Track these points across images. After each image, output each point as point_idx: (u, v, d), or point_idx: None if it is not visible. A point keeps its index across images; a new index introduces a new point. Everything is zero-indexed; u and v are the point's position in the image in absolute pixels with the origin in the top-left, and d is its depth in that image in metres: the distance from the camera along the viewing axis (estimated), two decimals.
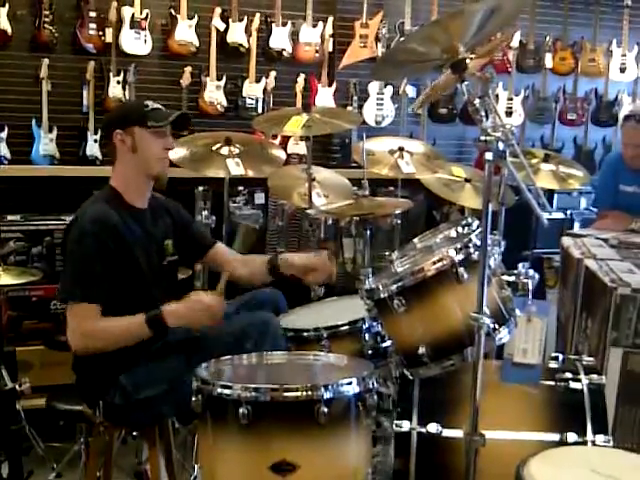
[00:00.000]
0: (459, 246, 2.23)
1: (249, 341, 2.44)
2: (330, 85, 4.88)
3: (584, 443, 2.14)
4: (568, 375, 2.28)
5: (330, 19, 4.84)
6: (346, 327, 2.70)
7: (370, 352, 2.67)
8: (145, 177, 2.65)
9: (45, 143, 4.28)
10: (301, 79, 4.81)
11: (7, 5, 4.16)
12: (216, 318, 2.49)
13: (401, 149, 3.80)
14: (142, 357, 2.51)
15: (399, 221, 3.79)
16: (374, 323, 2.64)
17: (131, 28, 4.41)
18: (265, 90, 4.72)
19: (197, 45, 4.57)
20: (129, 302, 2.53)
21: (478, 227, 2.28)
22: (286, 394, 1.98)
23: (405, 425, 2.22)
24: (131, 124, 2.60)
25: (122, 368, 2.51)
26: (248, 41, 4.67)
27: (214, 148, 3.62)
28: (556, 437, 2.16)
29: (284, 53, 4.75)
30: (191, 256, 2.95)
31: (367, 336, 2.69)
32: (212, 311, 2.49)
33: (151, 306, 2.50)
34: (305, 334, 2.69)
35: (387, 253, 2.61)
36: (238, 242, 3.62)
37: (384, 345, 2.68)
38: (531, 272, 2.25)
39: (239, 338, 2.45)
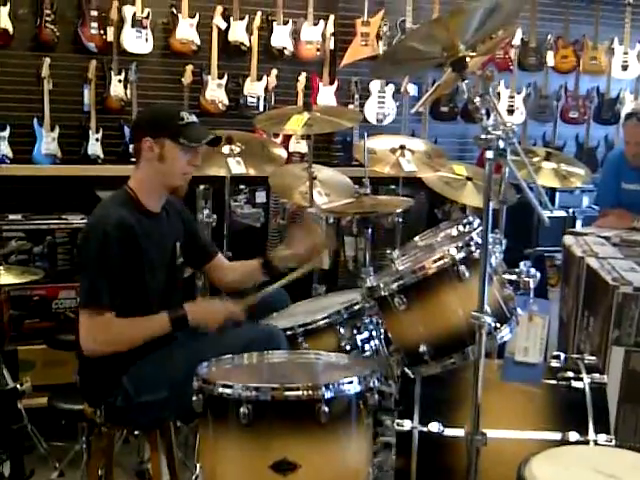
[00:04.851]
0: (460, 244, 2.23)
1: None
2: (331, 83, 4.87)
3: (586, 442, 2.14)
4: (570, 374, 2.28)
5: (331, 17, 4.83)
6: (320, 323, 2.70)
7: (348, 346, 2.67)
8: (164, 187, 2.66)
9: (47, 142, 4.28)
10: (302, 77, 4.81)
11: (9, 4, 4.16)
12: (228, 321, 2.56)
13: (402, 147, 3.80)
14: (146, 361, 2.51)
15: (400, 219, 3.78)
16: (348, 315, 2.65)
17: (132, 27, 4.41)
18: (266, 88, 4.72)
19: (198, 44, 4.57)
20: (143, 303, 2.55)
21: (479, 225, 2.28)
22: (287, 393, 1.97)
23: (407, 424, 2.22)
24: (163, 135, 2.57)
25: (126, 371, 2.51)
26: (249, 39, 4.67)
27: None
28: (558, 436, 2.15)
29: (285, 51, 4.75)
30: (193, 263, 2.96)
31: (342, 330, 2.68)
32: (229, 314, 2.56)
33: (164, 307, 2.54)
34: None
35: (388, 251, 2.61)
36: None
37: (360, 337, 2.68)
38: (533, 271, 2.25)
39: (244, 350, 2.44)
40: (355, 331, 2.69)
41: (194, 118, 2.67)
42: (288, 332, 2.66)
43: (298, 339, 2.65)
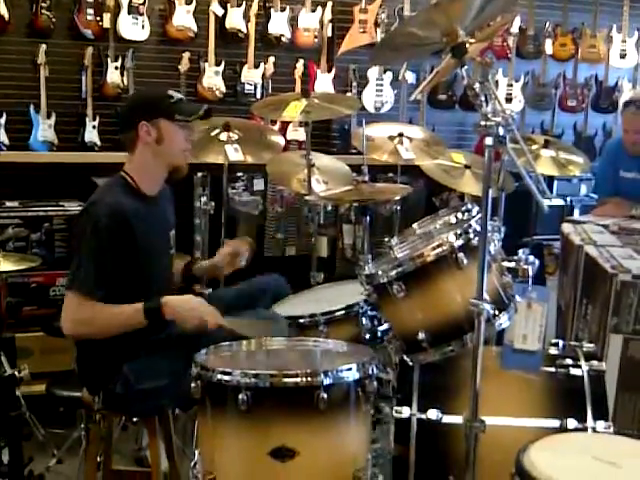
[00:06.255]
0: (459, 232, 2.23)
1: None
2: (329, 71, 4.85)
3: (584, 430, 2.14)
4: (568, 361, 2.28)
5: (329, 4, 4.81)
6: (342, 312, 2.71)
7: (368, 336, 2.68)
8: (165, 167, 2.64)
9: (43, 129, 4.27)
10: (300, 65, 4.79)
11: None
12: (203, 326, 2.46)
13: (401, 135, 3.79)
14: (146, 348, 2.50)
15: (398, 207, 3.77)
16: (369, 307, 2.65)
17: (129, 13, 4.39)
18: (264, 76, 4.70)
19: (195, 30, 4.55)
20: (137, 289, 2.52)
21: (478, 213, 2.27)
22: (286, 380, 1.97)
23: (405, 411, 2.22)
24: (158, 116, 2.57)
25: (126, 357, 2.50)
26: (247, 26, 4.65)
27: (213, 134, 3.60)
28: (556, 423, 2.15)
29: (283, 38, 4.73)
30: None
31: (364, 320, 2.69)
32: (204, 319, 2.45)
33: (157, 294, 2.51)
34: (301, 320, 2.70)
35: (386, 239, 2.60)
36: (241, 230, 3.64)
37: (381, 328, 2.68)
38: (531, 258, 2.24)
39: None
40: (376, 322, 2.69)
41: (181, 95, 2.69)
42: (309, 318, 2.68)
43: (319, 326, 2.67)
